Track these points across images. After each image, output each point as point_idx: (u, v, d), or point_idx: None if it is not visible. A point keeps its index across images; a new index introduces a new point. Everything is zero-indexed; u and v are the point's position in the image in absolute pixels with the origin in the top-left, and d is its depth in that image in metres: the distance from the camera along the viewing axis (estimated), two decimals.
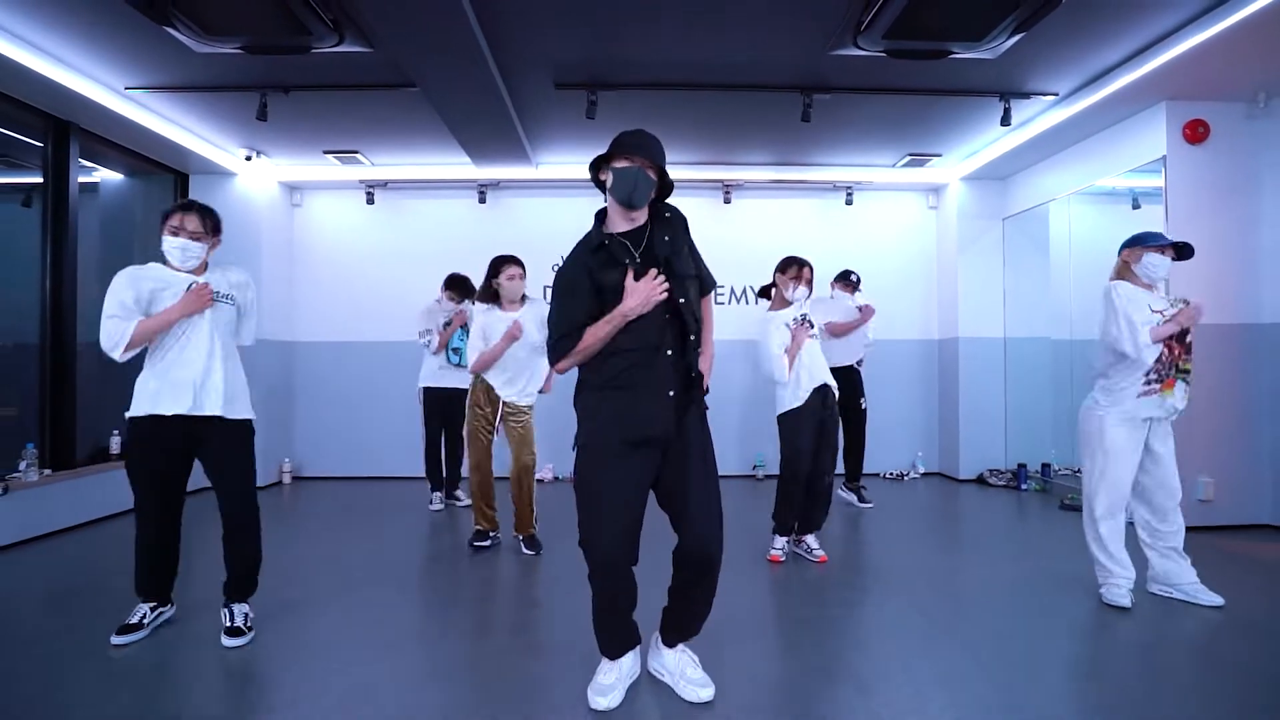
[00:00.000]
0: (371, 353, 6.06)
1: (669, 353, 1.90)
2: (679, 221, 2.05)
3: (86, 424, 4.58)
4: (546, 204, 6.13)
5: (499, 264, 3.65)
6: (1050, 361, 5.73)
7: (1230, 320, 4.19)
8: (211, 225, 2.53)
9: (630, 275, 1.89)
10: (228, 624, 2.47)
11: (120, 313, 2.34)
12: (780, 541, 3.54)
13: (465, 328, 4.62)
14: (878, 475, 6.10)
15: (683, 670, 2.03)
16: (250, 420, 2.58)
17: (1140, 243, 2.88)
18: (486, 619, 2.79)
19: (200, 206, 2.52)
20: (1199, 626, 2.63)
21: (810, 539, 3.57)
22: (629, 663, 2.06)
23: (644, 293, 1.85)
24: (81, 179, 4.92)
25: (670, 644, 2.09)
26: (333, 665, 2.29)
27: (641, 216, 1.99)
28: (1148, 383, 2.79)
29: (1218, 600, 2.79)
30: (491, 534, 3.80)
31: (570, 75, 4.10)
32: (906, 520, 4.61)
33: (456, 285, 4.78)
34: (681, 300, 1.92)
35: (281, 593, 2.96)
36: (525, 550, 3.67)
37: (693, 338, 1.95)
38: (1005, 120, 4.37)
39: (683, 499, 1.90)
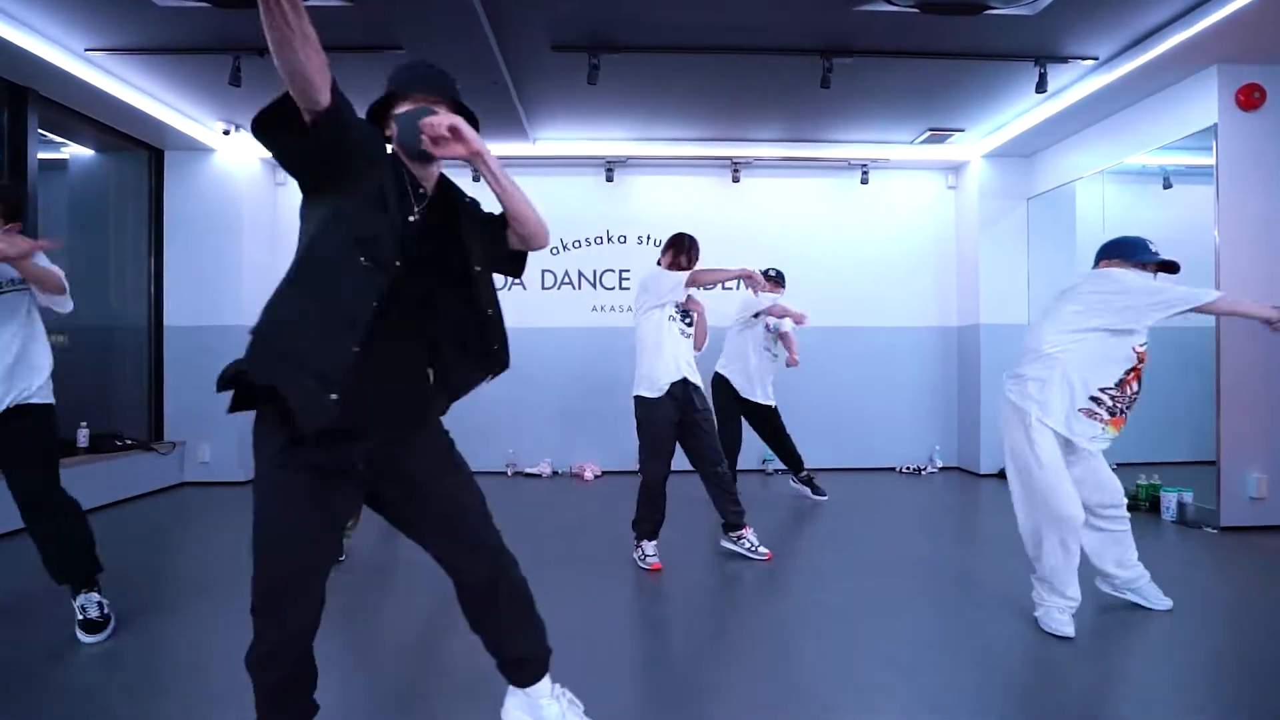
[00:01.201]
0: None
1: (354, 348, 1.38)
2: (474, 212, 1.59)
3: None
4: (546, 183, 5.77)
5: None
6: None
7: None
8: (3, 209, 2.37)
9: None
10: (80, 617, 2.27)
11: None
12: (650, 547, 3.17)
13: None
14: (893, 469, 5.81)
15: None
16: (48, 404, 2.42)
17: (1123, 255, 2.49)
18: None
19: None
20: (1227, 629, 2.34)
21: (749, 534, 3.28)
22: None
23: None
24: (48, 155, 4.61)
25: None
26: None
27: (433, 177, 1.52)
28: (1097, 403, 2.38)
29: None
30: None
31: (569, 35, 3.77)
32: (917, 515, 4.33)
33: None
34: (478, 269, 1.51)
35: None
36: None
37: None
38: (1040, 86, 4.05)
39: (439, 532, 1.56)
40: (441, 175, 1.56)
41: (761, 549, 3.25)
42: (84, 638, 2.26)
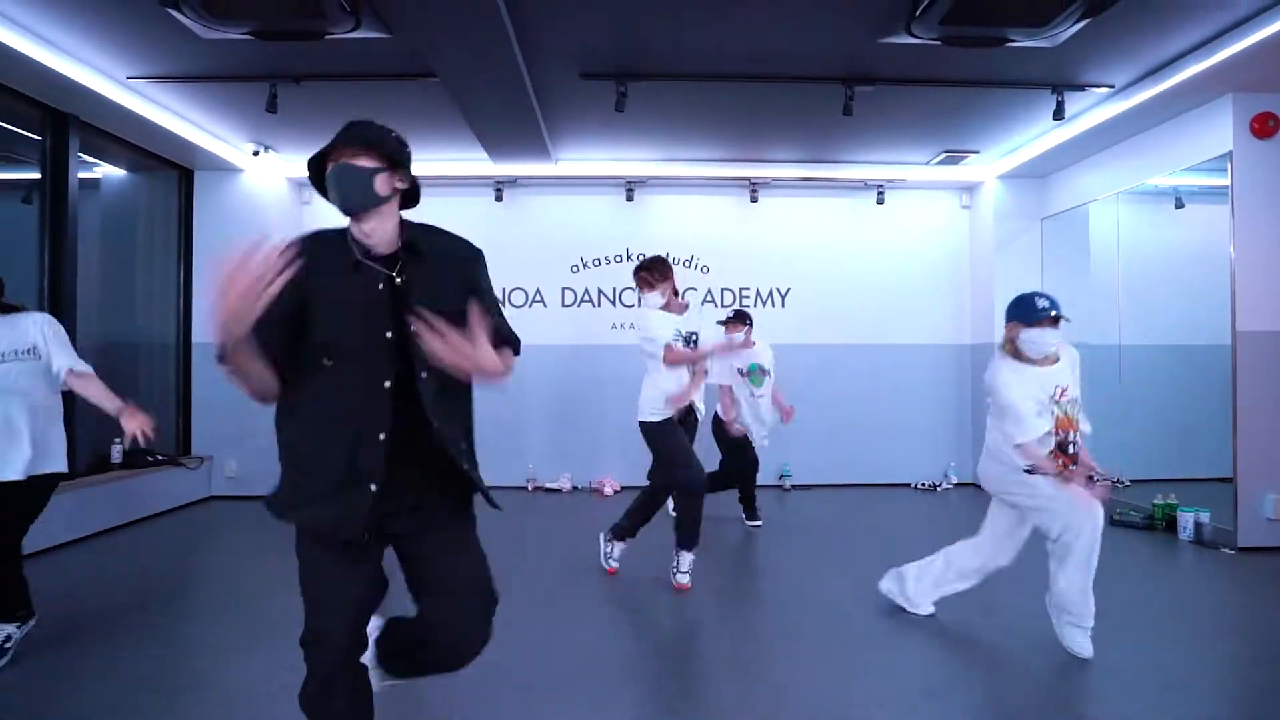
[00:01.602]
0: None
1: (380, 436, 1.38)
2: (456, 262, 1.52)
3: (84, 432, 4.35)
4: (566, 202, 5.90)
5: None
6: (1092, 367, 5.40)
7: None
8: None
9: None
10: None
11: None
12: (619, 549, 3.38)
13: None
14: (909, 485, 5.87)
15: None
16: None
17: (1019, 319, 2.54)
18: None
19: None
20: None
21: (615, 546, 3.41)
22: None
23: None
24: (82, 174, 4.72)
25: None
26: None
27: (384, 234, 1.44)
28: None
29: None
30: None
31: (597, 65, 3.87)
32: (932, 531, 4.39)
33: None
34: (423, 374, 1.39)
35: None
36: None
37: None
38: (1058, 114, 4.14)
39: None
40: (405, 226, 1.49)
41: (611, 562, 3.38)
42: None
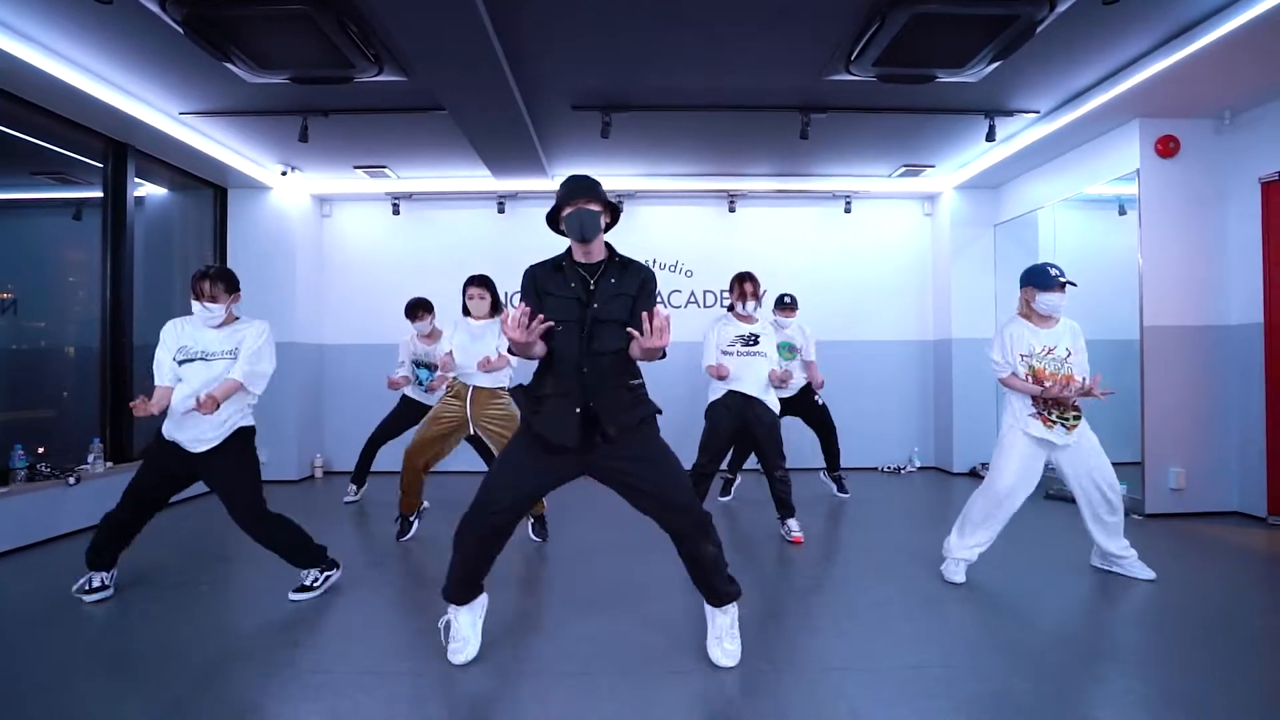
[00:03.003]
0: (396, 354, 6.43)
1: (583, 369, 2.19)
2: (636, 274, 2.28)
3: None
4: None
5: (465, 285, 3.98)
6: None
7: (1199, 322, 4.50)
8: (225, 287, 2.94)
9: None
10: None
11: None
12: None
13: (428, 366, 4.92)
14: (876, 469, 6.42)
15: (720, 631, 2.32)
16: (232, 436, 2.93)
17: (1031, 284, 3.20)
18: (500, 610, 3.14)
19: (217, 271, 2.93)
20: (1149, 598, 2.96)
21: (792, 522, 3.96)
22: (469, 615, 2.36)
23: (513, 329, 2.08)
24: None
25: (715, 605, 2.35)
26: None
27: (598, 252, 2.29)
28: (1034, 413, 3.11)
29: (1150, 574, 3.13)
30: (413, 517, 4.04)
31: (585, 99, 4.45)
32: (897, 509, 4.94)
33: (416, 306, 4.96)
34: (597, 343, 2.19)
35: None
36: (533, 536, 3.95)
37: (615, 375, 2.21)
38: (990, 136, 4.70)
39: (644, 492, 2.25)
40: (608, 246, 2.33)
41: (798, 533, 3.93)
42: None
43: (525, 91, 4.24)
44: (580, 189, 2.26)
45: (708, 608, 2.37)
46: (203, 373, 2.87)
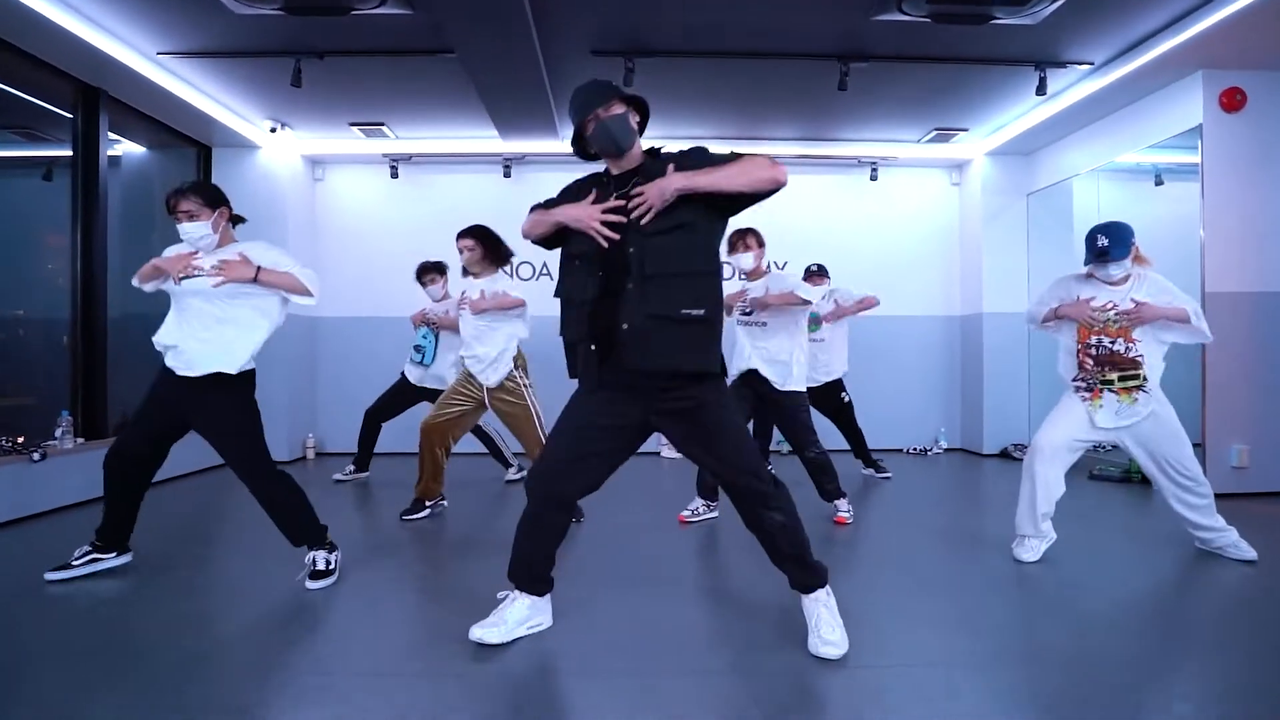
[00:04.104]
0: (394, 328, 6.01)
1: (587, 308, 1.91)
2: (669, 162, 1.92)
3: (116, 394, 4.55)
4: (572, 177, 5.99)
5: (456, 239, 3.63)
6: None
7: (1264, 288, 4.21)
8: (207, 198, 2.55)
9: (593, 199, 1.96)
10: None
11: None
12: (696, 503, 3.58)
13: (428, 325, 4.56)
14: (900, 450, 6.13)
15: (817, 625, 1.97)
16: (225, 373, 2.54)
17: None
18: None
19: (190, 184, 2.57)
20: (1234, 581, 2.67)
21: (840, 502, 3.60)
22: (524, 610, 2.06)
23: (581, 212, 1.89)
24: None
25: (802, 591, 2.04)
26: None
27: (635, 157, 2.00)
28: (1076, 388, 2.87)
29: (1251, 554, 2.81)
30: (429, 503, 3.70)
31: (607, 42, 4.08)
32: (925, 493, 4.64)
33: (425, 268, 4.61)
34: (631, 250, 1.86)
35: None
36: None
37: (632, 287, 1.85)
38: (1040, 90, 4.38)
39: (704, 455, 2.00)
40: (643, 151, 2.02)
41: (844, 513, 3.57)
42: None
43: (543, 29, 3.85)
44: (595, 96, 1.94)
45: (801, 596, 2.05)
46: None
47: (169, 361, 2.56)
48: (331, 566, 2.59)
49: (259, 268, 2.51)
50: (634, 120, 1.98)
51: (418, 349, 4.61)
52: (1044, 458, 2.81)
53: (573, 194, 2.03)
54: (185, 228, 2.52)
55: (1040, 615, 2.34)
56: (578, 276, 1.94)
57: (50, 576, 2.57)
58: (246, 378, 2.62)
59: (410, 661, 1.93)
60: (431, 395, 4.49)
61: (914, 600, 2.44)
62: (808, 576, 2.01)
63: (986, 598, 2.47)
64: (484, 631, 1.98)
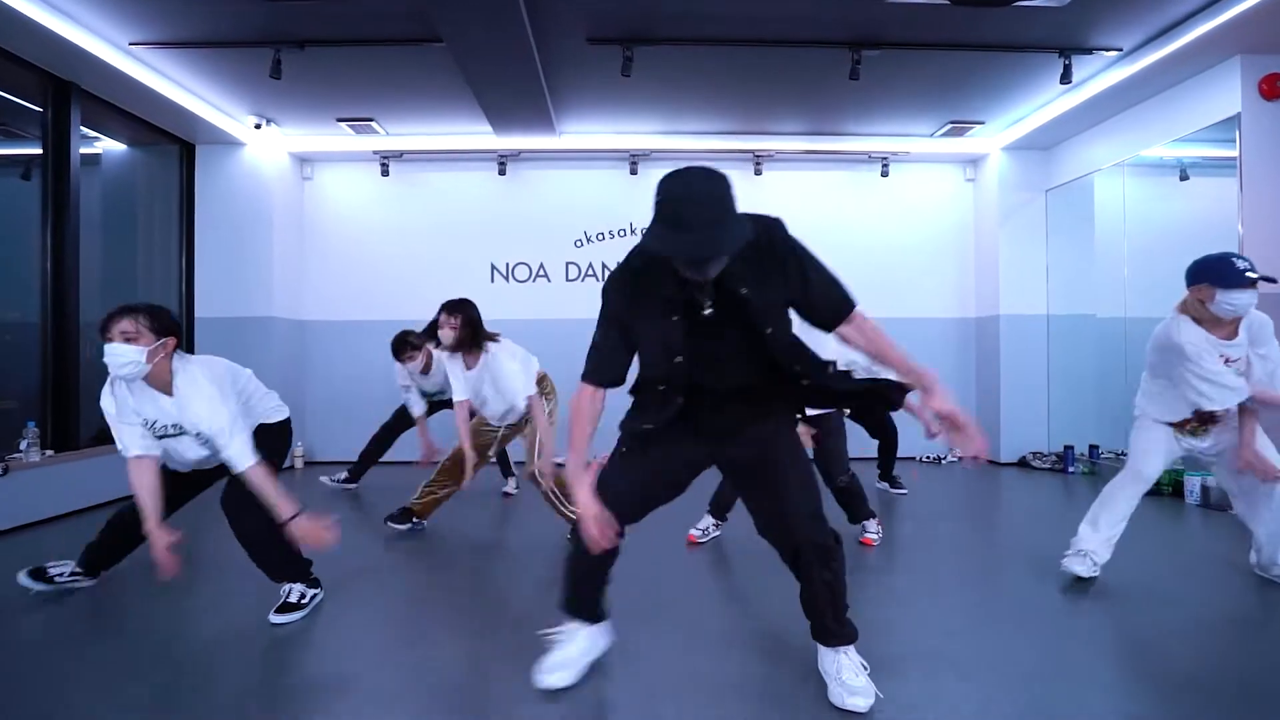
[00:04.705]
0: (386, 332, 5.75)
1: (677, 360, 1.64)
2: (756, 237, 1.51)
3: (89, 404, 4.33)
4: (569, 175, 5.87)
5: (440, 311, 3.28)
6: (1097, 339, 5.48)
7: None
8: (151, 325, 2.10)
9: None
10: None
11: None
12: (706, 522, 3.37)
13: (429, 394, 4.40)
14: (914, 459, 5.87)
15: (838, 673, 1.75)
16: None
17: (1212, 281, 2.37)
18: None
19: (146, 306, 2.15)
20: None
21: (870, 523, 3.35)
22: (584, 641, 1.90)
23: (591, 519, 1.67)
24: (83, 150, 4.67)
25: (823, 643, 1.83)
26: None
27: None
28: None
29: None
30: (416, 521, 3.49)
31: (605, 28, 3.84)
32: (944, 505, 4.39)
33: (400, 346, 4.26)
34: (769, 331, 1.60)
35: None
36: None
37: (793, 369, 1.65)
38: (1065, 78, 4.12)
39: (765, 499, 1.79)
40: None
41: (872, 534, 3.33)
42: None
43: (536, 17, 3.61)
44: (703, 215, 1.41)
45: (819, 647, 1.82)
46: (192, 448, 2.29)
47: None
48: (305, 600, 2.36)
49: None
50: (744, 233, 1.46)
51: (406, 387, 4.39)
52: (1144, 488, 2.62)
53: (640, 295, 1.63)
54: (114, 347, 2.06)
55: (1095, 656, 2.08)
56: (655, 364, 1.69)
57: (25, 582, 2.50)
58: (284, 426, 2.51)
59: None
60: (444, 404, 4.27)
61: (949, 641, 2.18)
62: (837, 631, 1.78)
63: (1030, 635, 2.22)
64: (555, 677, 1.80)
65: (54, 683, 1.88)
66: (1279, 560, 2.62)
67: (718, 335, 1.62)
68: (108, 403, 2.22)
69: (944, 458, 5.85)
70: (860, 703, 1.67)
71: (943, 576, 2.86)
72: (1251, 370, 2.47)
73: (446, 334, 3.20)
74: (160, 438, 2.23)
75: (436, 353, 3.97)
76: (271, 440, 2.41)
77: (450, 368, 3.28)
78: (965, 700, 1.76)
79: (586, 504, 1.68)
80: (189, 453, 2.28)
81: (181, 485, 2.44)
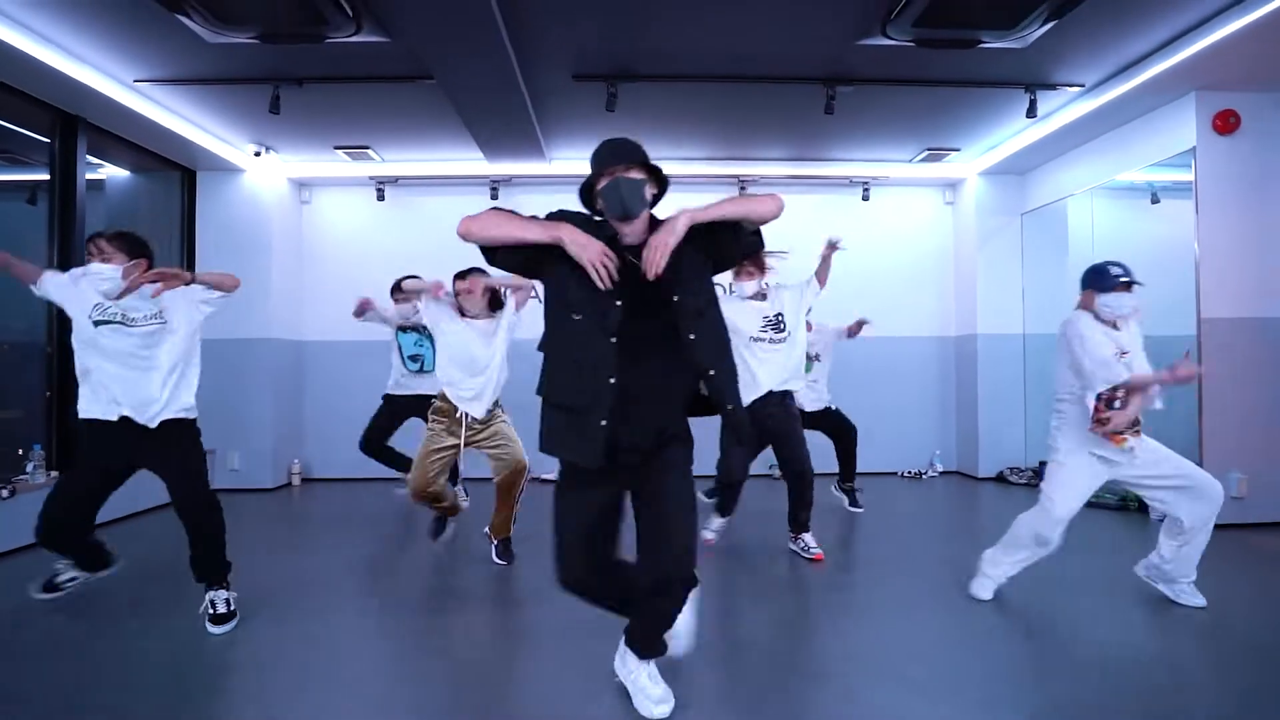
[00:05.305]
0: (382, 353, 5.92)
1: (610, 380, 1.72)
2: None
3: None
4: (560, 200, 5.94)
5: (454, 280, 3.34)
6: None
7: (1260, 314, 4.12)
8: (127, 246, 2.56)
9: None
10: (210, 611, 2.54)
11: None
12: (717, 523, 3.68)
13: (420, 330, 4.36)
14: (895, 474, 6.02)
15: (638, 679, 1.92)
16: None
17: (1093, 286, 2.71)
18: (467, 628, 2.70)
19: (118, 232, 2.59)
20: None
21: (806, 536, 3.51)
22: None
23: (591, 245, 1.70)
24: (88, 176, 4.84)
25: (638, 654, 1.97)
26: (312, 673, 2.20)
27: (641, 231, 1.81)
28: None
29: (1201, 602, 2.71)
30: (449, 519, 3.58)
31: (590, 66, 4.02)
32: (921, 519, 4.54)
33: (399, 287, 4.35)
34: (691, 337, 1.76)
35: (277, 597, 2.88)
36: (496, 560, 3.39)
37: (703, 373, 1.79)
38: (1031, 112, 4.31)
39: (655, 525, 1.83)
40: (651, 218, 1.86)
41: (813, 550, 3.47)
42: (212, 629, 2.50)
43: (522, 56, 3.79)
44: (619, 152, 1.82)
45: (625, 654, 1.98)
46: (121, 342, 2.49)
47: (126, 414, 2.52)
48: (232, 609, 2.56)
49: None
50: (649, 192, 1.82)
51: (414, 358, 4.52)
52: (1062, 528, 2.69)
53: (579, 225, 1.79)
54: (94, 265, 2.51)
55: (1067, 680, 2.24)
56: (580, 334, 1.77)
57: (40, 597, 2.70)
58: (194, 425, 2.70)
59: None
60: (423, 404, 4.31)
61: (910, 663, 2.34)
62: (661, 646, 1.97)
63: (989, 657, 2.37)
64: (665, 707, 1.90)
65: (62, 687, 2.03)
66: (1189, 575, 2.72)
67: (646, 319, 1.76)
68: (72, 275, 2.56)
69: (924, 472, 6.01)
70: (662, 710, 1.88)
71: (906, 592, 3.01)
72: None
73: (474, 301, 3.23)
74: (106, 322, 2.49)
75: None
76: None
77: (448, 321, 3.25)
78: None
79: (573, 238, 1.73)
80: (122, 342, 2.51)
81: (101, 485, 2.61)
